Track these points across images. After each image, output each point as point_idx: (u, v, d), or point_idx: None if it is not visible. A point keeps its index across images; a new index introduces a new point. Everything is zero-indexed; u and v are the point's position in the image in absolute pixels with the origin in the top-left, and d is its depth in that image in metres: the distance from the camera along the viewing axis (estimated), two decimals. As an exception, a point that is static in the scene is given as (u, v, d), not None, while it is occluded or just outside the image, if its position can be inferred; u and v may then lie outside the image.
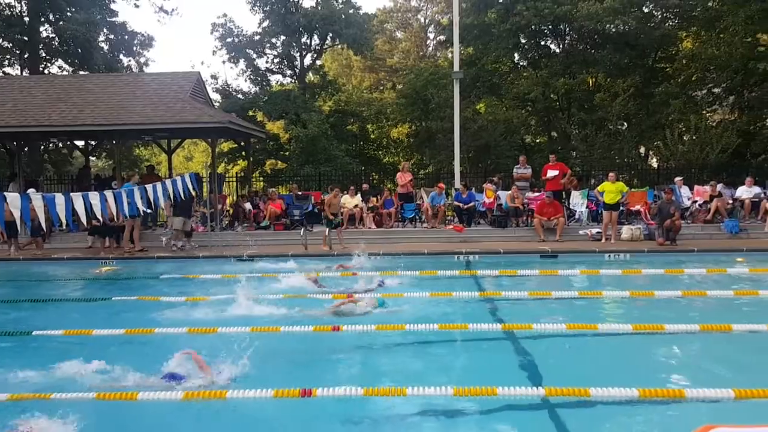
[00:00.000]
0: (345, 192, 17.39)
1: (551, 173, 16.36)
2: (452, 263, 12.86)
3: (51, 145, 26.89)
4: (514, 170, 17.65)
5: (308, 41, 29.96)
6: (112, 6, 28.89)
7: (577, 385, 5.09)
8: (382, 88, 37.85)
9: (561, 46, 27.00)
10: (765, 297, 8.96)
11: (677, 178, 17.13)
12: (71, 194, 11.31)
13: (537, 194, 16.59)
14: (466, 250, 13.73)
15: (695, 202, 16.41)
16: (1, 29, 26.05)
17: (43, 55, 28.18)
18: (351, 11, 28.82)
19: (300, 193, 18.74)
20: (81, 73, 26.79)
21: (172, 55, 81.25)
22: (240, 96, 29.89)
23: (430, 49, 38.82)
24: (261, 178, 26.54)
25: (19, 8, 26.91)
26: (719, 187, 16.39)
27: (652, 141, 24.15)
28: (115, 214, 12.43)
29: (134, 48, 29.68)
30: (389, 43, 39.92)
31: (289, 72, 31.30)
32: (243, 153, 26.33)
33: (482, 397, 5.01)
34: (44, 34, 27.81)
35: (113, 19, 28.73)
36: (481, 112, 27.35)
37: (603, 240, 14.53)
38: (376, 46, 34.06)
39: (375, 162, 31.07)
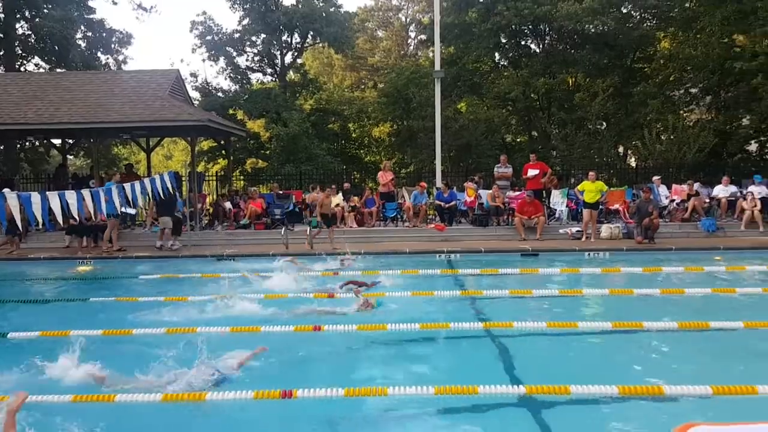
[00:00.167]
0: (326, 191, 17.34)
1: (532, 172, 16.46)
2: (434, 262, 12.88)
3: (27, 143, 26.44)
4: (495, 169, 17.72)
5: (289, 39, 29.81)
6: (90, 3, 28.43)
7: (557, 382, 5.12)
8: (363, 86, 37.81)
9: (541, 46, 27.19)
10: (742, 294, 9.10)
11: (655, 177, 17.33)
12: (47, 193, 11.14)
13: (518, 193, 16.67)
14: (448, 249, 13.76)
15: (673, 200, 16.61)
16: (-25, 26, 25.58)
17: (20, 52, 27.68)
18: (332, 9, 28.72)
19: (281, 192, 18.62)
20: (58, 70, 26.39)
21: (151, 53, 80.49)
22: (220, 94, 29.66)
23: (411, 48, 38.88)
24: (241, 177, 26.36)
25: (-5, 5, 26.45)
26: (696, 186, 16.61)
27: (631, 140, 24.42)
28: (92, 213, 12.27)
29: (112, 45, 29.27)
30: (370, 42, 39.89)
31: (269, 70, 31.12)
32: (223, 152, 26.12)
33: (464, 396, 5.02)
34: (20, 31, 27.30)
35: (91, 16, 28.28)
36: (462, 111, 27.44)
37: (583, 239, 14.65)
38: (357, 45, 33.99)
39: (356, 161, 31.02)
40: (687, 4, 23.89)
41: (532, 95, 26.10)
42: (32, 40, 27.47)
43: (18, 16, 26.82)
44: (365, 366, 6.15)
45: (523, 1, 23.84)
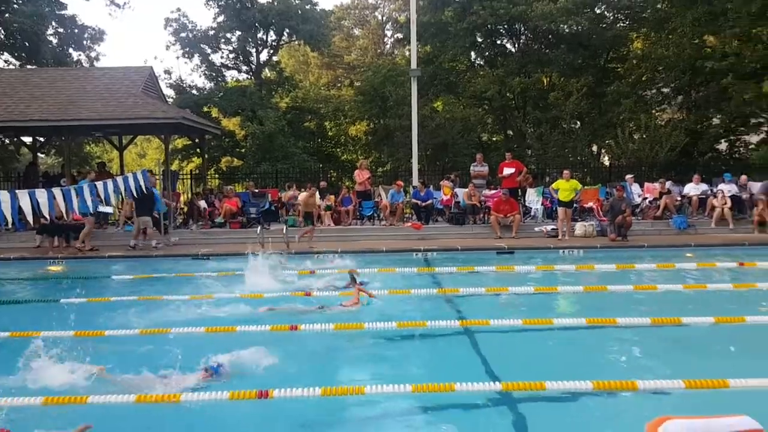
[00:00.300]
0: (303, 189, 17.27)
1: (507, 171, 16.57)
2: (411, 260, 12.90)
3: (-3, 141, 25.88)
4: (471, 168, 17.81)
5: (264, 37, 29.62)
6: (61, -1, 27.95)
7: (533, 379, 5.16)
8: (339, 85, 37.72)
9: (516, 45, 27.41)
10: (712, 290, 9.27)
11: (628, 176, 17.57)
12: (17, 192, 10.90)
13: (494, 192, 16.79)
14: (425, 248, 13.79)
15: (645, 198, 16.86)
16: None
17: (-11, 48, 27.10)
18: (308, 7, 28.59)
19: (257, 190, 18.50)
20: (29, 67, 25.84)
21: (124, 49, 79.35)
22: (194, 92, 29.35)
23: (388, 46, 38.87)
24: (216, 176, 26.11)
25: (-38, 0, 25.81)
26: (668, 184, 16.89)
27: (604, 139, 24.74)
28: (64, 212, 12.04)
29: (84, 42, 28.76)
30: (347, 40, 39.79)
31: (244, 68, 30.89)
32: (197, 150, 25.84)
33: (441, 394, 5.02)
34: (-10, 27, 26.74)
35: (62, 12, 27.74)
36: (439, 110, 27.53)
37: (559, 237, 14.79)
38: (333, 43, 33.91)
39: (333, 159, 30.94)
40: (659, 6, 24.28)
41: (507, 94, 26.29)
42: (2, 36, 26.83)
43: (-13, 11, 26.24)
44: (342, 365, 6.14)
45: (498, 0, 24.00)
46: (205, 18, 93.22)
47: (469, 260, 12.36)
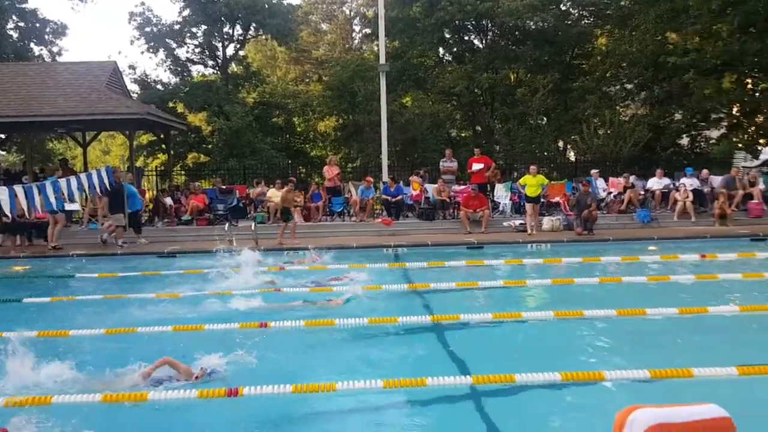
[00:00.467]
0: (271, 185, 17.15)
1: (476, 166, 16.69)
2: (381, 256, 12.90)
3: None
4: (441, 163, 17.90)
5: (230, 31, 29.24)
6: (22, -9, 27.19)
7: (503, 371, 5.21)
8: (308, 80, 37.44)
9: (484, 41, 27.59)
10: (675, 282, 9.49)
11: (593, 171, 17.87)
12: (-25, 190, 10.59)
13: (463, 187, 16.89)
14: (395, 243, 13.81)
15: (610, 193, 17.16)
16: None
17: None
18: (275, 1, 28.35)
19: (224, 187, 18.28)
20: (-13, 61, 25.10)
21: (88, 44, 77.57)
22: (159, 87, 28.81)
23: (356, 41, 38.70)
24: (182, 172, 25.71)
25: None
26: (632, 178, 17.22)
27: (570, 135, 25.09)
28: (26, 209, 11.74)
29: (46, 36, 28.06)
30: (314, 35, 39.49)
31: (210, 62, 30.45)
32: (163, 146, 25.42)
33: (412, 388, 5.04)
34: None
35: (23, 6, 27.00)
36: (408, 105, 27.56)
37: (528, 231, 14.92)
38: (301, 38, 33.63)
39: (302, 155, 30.73)
40: (622, 3, 24.71)
41: (475, 90, 26.46)
42: (-42, 30, 26.04)
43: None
44: (313, 362, 6.11)
45: (466, -4, 24.12)
46: (170, 12, 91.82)
47: (439, 255, 12.41)
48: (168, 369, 5.30)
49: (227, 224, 14.65)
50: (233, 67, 31.11)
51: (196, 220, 16.17)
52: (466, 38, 28.00)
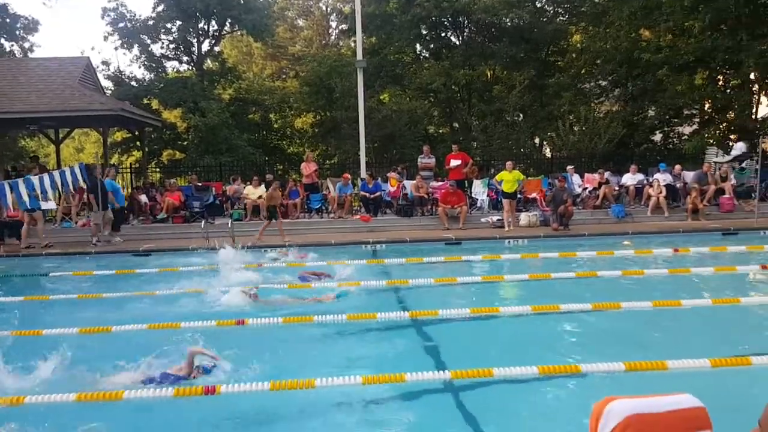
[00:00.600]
0: (248, 183, 17.02)
1: (454, 163, 16.76)
2: (360, 253, 12.90)
3: None
4: (419, 160, 17.93)
5: (206, 27, 28.87)
6: (-10, -14, 26.58)
7: (481, 366, 5.24)
8: (284, 76, 37.22)
9: (461, 38, 27.67)
10: (649, 276, 9.63)
11: (569, 167, 18.02)
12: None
13: (441, 183, 16.94)
14: (373, 240, 13.82)
15: (585, 189, 17.34)
16: None
17: None
18: (250, -4, 28.04)
19: (200, 184, 18.08)
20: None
21: (60, 40, 75.99)
22: (133, 83, 28.34)
23: (333, 37, 38.58)
24: (157, 169, 25.41)
25: None
26: (607, 174, 17.41)
27: (546, 131, 25.29)
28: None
29: (17, 32, 27.44)
30: (291, 31, 39.28)
31: (185, 58, 30.04)
32: (137, 143, 25.08)
33: (391, 384, 5.05)
34: None
35: (-8, 1, 26.43)
36: (385, 102, 27.55)
37: (505, 227, 15.02)
38: (277, 34, 33.40)
39: (279, 152, 30.53)
40: (596, 0, 24.96)
41: (453, 87, 26.53)
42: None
43: None
44: (291, 358, 6.08)
45: (442, -8, 24.17)
46: (144, 7, 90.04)
47: (417, 251, 12.45)
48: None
49: (203, 222, 14.50)
50: (209, 63, 30.76)
51: (172, 218, 15.99)
52: (443, 35, 28.05)
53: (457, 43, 27.75)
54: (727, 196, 16.19)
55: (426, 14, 24.57)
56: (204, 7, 26.77)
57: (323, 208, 17.01)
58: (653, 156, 22.19)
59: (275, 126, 31.47)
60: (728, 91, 23.15)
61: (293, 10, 39.53)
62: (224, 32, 30.33)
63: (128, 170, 21.77)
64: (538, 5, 26.37)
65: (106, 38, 28.68)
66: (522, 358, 5.42)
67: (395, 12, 25.39)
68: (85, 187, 14.20)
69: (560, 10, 27.01)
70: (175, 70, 30.47)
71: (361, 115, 18.55)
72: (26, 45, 28.07)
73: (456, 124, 28.41)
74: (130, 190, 19.60)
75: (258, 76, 35.50)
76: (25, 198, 11.73)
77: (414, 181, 16.84)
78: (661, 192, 16.13)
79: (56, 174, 12.87)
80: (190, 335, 5.89)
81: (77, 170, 13.24)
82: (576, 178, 17.58)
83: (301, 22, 40.27)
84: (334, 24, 38.58)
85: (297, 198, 16.81)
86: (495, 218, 15.66)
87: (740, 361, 5.30)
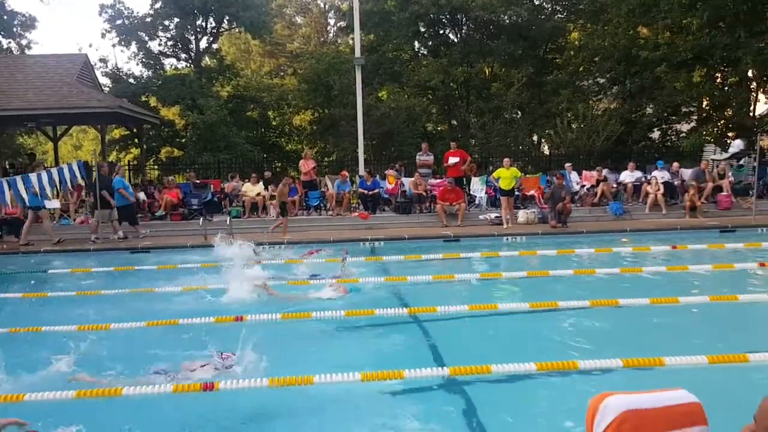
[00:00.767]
0: (246, 180, 17.02)
1: (452, 160, 16.76)
2: (358, 250, 12.89)
3: None
4: (417, 157, 17.94)
5: (203, 24, 28.85)
6: (-12, -17, 26.52)
7: (479, 363, 5.26)
8: (282, 74, 37.16)
9: (459, 35, 27.64)
10: (647, 273, 9.66)
11: (567, 164, 18.05)
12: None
13: (439, 181, 16.95)
14: (372, 237, 13.83)
15: (583, 186, 17.36)
16: None
17: None
18: (248, -6, 27.99)
19: (198, 181, 18.09)
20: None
21: (58, 37, 75.94)
22: (131, 80, 28.31)
23: (331, 35, 38.51)
24: (156, 167, 25.38)
25: None
26: (605, 172, 17.44)
27: (544, 129, 25.29)
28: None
29: (14, 29, 27.38)
30: (289, 28, 39.20)
31: (183, 56, 30.01)
32: (136, 140, 25.06)
33: (389, 381, 5.06)
34: None
35: (-11, -2, 26.37)
36: (384, 99, 27.52)
37: (503, 225, 15.03)
38: (275, 31, 33.36)
39: (277, 149, 30.53)
40: (594, -3, 24.95)
41: (451, 84, 26.52)
42: None
43: None
44: (290, 355, 6.10)
45: (440, -10, 24.15)
46: (141, 4, 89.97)
47: (416, 248, 12.46)
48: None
49: (201, 219, 14.50)
50: (207, 60, 30.74)
51: (170, 215, 15.99)
52: (441, 32, 28.02)
53: (456, 40, 27.71)
54: (724, 193, 16.22)
55: (424, 11, 24.55)
56: (202, 5, 26.75)
57: (321, 205, 17.02)
58: (651, 153, 22.23)
59: (273, 123, 31.47)
60: (726, 88, 23.15)
61: (291, 7, 39.44)
62: (222, 29, 30.31)
63: (126, 167, 21.75)
64: (536, 2, 26.38)
65: (103, 35, 28.67)
66: (520, 355, 5.43)
67: (393, 9, 25.36)
68: (83, 184, 14.19)
69: (558, 8, 27.00)
70: (173, 67, 30.46)
71: (360, 113, 18.55)
72: (24, 42, 28.06)
73: (454, 122, 28.40)
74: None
75: (256, 74, 35.46)
76: (24, 195, 11.71)
77: (412, 179, 16.85)
78: (659, 189, 16.15)
79: (54, 171, 12.86)
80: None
81: (75, 168, 13.23)
82: (574, 176, 17.60)
83: (299, 19, 40.18)
84: (332, 21, 38.51)
85: (295, 195, 16.81)
86: (493, 215, 15.68)
87: (737, 357, 5.32)
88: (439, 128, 30.20)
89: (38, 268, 11.56)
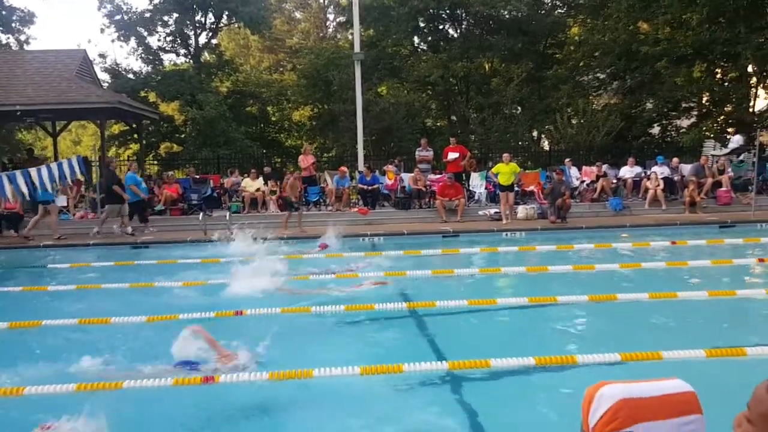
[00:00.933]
0: (246, 175, 17.02)
1: (452, 155, 16.75)
2: (358, 245, 12.91)
3: None
4: (416, 153, 17.93)
5: (203, 19, 28.79)
6: (-14, -22, 26.44)
7: (478, 357, 5.27)
8: (282, 69, 37.11)
9: (458, 30, 27.60)
10: (646, 269, 9.66)
11: (567, 160, 18.06)
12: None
13: (438, 176, 16.95)
14: (371, 233, 13.84)
15: (583, 182, 17.37)
16: None
17: None
18: (247, -11, 27.91)
19: (197, 176, 18.09)
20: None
21: (57, 33, 75.80)
22: (131, 76, 28.27)
23: (330, 30, 38.42)
24: (155, 162, 25.38)
25: None
26: (604, 167, 17.44)
27: (544, 124, 25.27)
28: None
29: (13, 24, 27.34)
30: (288, 24, 39.10)
31: (183, 51, 29.96)
32: (135, 135, 25.04)
33: (389, 375, 5.07)
34: None
35: (-13, -7, 26.31)
36: (383, 94, 27.49)
37: (502, 220, 15.04)
38: (274, 26, 33.30)
39: (277, 145, 30.53)
40: (595, -8, 24.90)
41: (450, 79, 26.48)
42: None
43: None
44: (290, 349, 6.10)
45: (439, -15, 24.11)
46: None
47: (415, 244, 12.47)
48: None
49: (201, 214, 14.50)
50: (206, 55, 30.68)
51: (170, 210, 16.00)
52: (441, 27, 27.97)
53: (455, 35, 27.68)
54: (724, 188, 16.21)
55: (423, 6, 24.51)
56: (201, 0, 26.69)
57: (321, 200, 17.02)
58: (651, 149, 22.21)
59: (273, 119, 31.46)
60: (726, 83, 23.14)
61: (290, 2, 39.32)
62: (221, 25, 30.26)
63: (126, 163, 21.75)
64: (536, -3, 26.31)
65: (102, 31, 28.52)
66: (519, 349, 5.45)
67: (393, 4, 25.30)
68: (82, 179, 14.19)
69: (558, 3, 26.96)
70: (172, 62, 30.42)
71: (359, 108, 18.54)
72: (22, 38, 28.03)
73: (454, 117, 28.37)
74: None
75: (255, 69, 35.42)
76: (24, 190, 11.71)
77: (412, 174, 16.85)
78: (658, 185, 16.15)
79: (54, 166, 12.85)
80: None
81: (74, 163, 13.22)
82: (574, 171, 17.61)
83: (298, 15, 40.08)
84: (331, 16, 38.42)
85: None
86: (492, 211, 15.68)
87: (735, 351, 5.34)
88: (438, 124, 30.18)
89: (37, 262, 11.57)
